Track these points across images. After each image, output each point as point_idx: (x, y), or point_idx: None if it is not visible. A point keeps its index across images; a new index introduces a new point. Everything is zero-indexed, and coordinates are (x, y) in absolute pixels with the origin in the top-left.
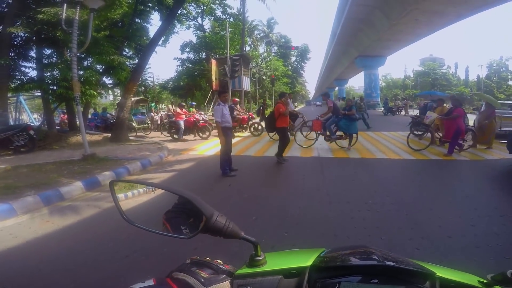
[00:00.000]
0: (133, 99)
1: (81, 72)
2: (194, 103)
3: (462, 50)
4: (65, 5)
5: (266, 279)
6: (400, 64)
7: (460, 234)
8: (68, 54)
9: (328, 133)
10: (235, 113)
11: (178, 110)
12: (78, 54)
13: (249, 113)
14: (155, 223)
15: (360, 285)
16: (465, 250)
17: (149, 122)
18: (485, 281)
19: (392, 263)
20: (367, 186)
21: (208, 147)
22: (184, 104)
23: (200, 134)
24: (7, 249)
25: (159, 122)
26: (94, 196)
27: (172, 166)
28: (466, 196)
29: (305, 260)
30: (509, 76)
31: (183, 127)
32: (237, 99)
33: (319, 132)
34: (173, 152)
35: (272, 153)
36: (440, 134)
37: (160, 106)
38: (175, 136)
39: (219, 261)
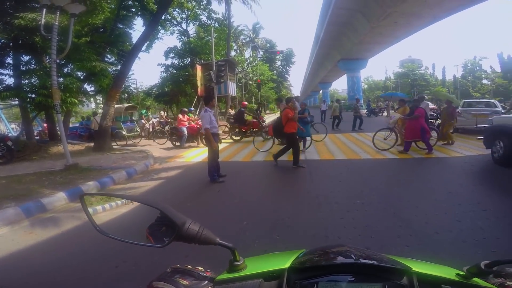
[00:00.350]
0: (122, 106)
1: (61, 79)
2: (192, 108)
3: (439, 51)
4: (44, 10)
5: (247, 283)
6: (381, 66)
7: (447, 229)
8: (47, 61)
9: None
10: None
11: (181, 116)
12: (58, 61)
13: (260, 117)
14: (134, 234)
15: (338, 284)
16: (453, 245)
17: (138, 129)
18: (463, 273)
19: (367, 261)
20: (354, 186)
21: (195, 154)
22: (186, 109)
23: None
24: None
25: (150, 129)
26: (78, 206)
27: (158, 174)
28: (449, 192)
29: (284, 262)
30: (483, 75)
31: (186, 134)
32: (246, 103)
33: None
34: (159, 160)
35: (260, 158)
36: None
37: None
38: (177, 143)
39: (200, 268)
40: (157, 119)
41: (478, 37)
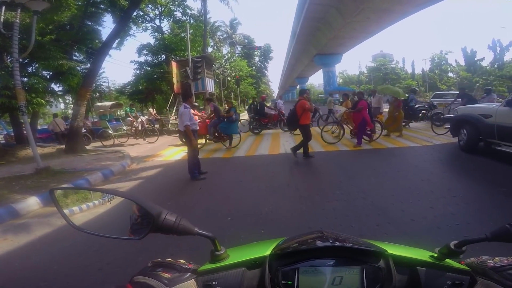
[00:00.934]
0: (107, 104)
1: (25, 79)
2: (196, 103)
3: (409, 46)
4: (3, 7)
5: (230, 272)
6: (355, 61)
7: (422, 216)
8: (9, 60)
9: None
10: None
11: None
12: (21, 60)
13: (280, 110)
14: (112, 230)
15: (317, 268)
16: (429, 232)
17: (125, 128)
18: (435, 254)
19: (343, 244)
20: (333, 177)
21: (174, 152)
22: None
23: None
24: None
25: (140, 127)
26: (53, 210)
27: (137, 174)
28: (422, 180)
29: (265, 250)
30: (449, 69)
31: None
32: (265, 95)
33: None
34: (137, 159)
35: (241, 154)
36: (350, 127)
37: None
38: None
39: (182, 261)
40: (146, 117)
41: (444, 32)
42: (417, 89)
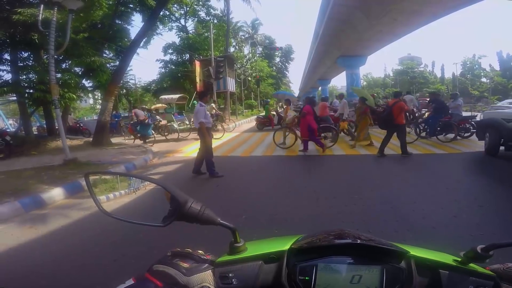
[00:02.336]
0: (174, 96)
1: (59, 75)
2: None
3: (438, 49)
4: (42, 6)
5: (247, 265)
6: (380, 63)
7: (444, 225)
8: (45, 57)
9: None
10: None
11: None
12: (56, 56)
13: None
14: (137, 217)
15: (336, 266)
16: (450, 240)
17: (187, 122)
18: (459, 259)
19: (365, 242)
20: (352, 181)
21: (194, 148)
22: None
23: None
24: None
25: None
26: (76, 201)
27: (157, 169)
28: (446, 188)
29: (284, 245)
30: (482, 73)
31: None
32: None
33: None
34: (158, 154)
35: (258, 153)
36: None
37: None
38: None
39: (200, 251)
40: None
41: (477, 36)
42: (445, 93)
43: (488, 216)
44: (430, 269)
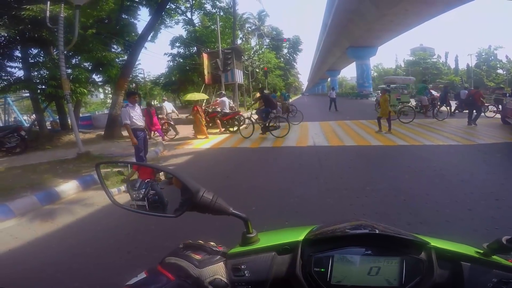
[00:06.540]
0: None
1: (69, 71)
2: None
3: (452, 40)
4: (48, 2)
5: (260, 256)
6: (391, 54)
7: (458, 218)
8: (55, 53)
9: None
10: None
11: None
12: (66, 52)
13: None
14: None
15: (353, 257)
16: (464, 234)
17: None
18: (482, 250)
19: (384, 232)
20: (364, 172)
21: (204, 141)
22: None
23: None
24: (8, 251)
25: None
26: (90, 194)
27: (167, 161)
28: (461, 180)
29: (298, 235)
30: (498, 65)
31: None
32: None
33: None
34: (168, 147)
35: (266, 145)
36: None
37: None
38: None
39: (212, 243)
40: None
41: (493, 27)
42: (459, 85)
43: (504, 210)
44: (451, 261)
